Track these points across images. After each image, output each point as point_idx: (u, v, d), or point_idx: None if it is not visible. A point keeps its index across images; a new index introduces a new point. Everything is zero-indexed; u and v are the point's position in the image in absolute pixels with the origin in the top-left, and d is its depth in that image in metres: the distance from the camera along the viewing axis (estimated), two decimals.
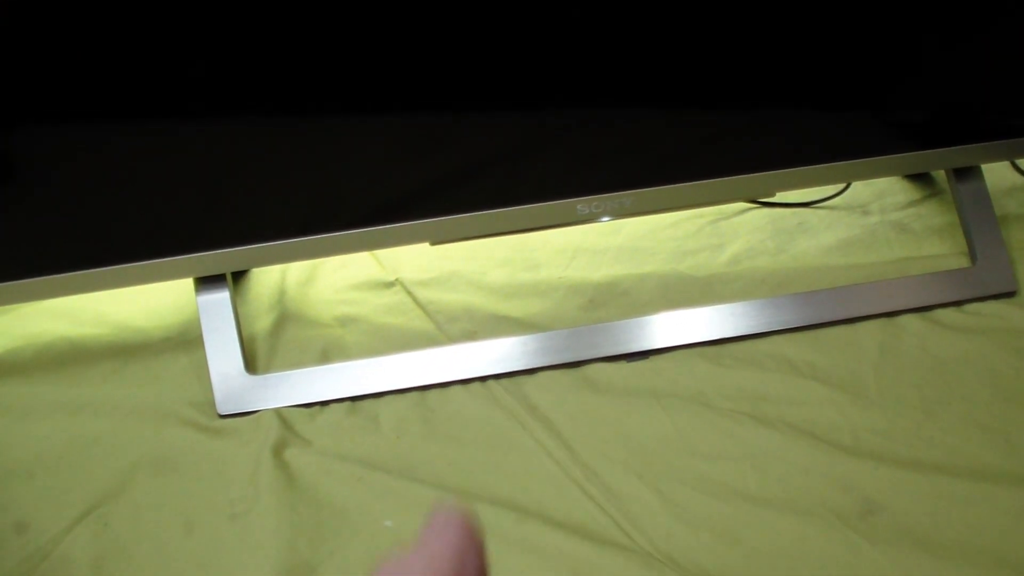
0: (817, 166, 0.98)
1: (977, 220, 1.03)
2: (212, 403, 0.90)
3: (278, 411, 0.88)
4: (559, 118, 0.93)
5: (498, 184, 0.93)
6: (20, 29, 0.80)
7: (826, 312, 0.96)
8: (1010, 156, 1.08)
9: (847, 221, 1.09)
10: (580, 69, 0.91)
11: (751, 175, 0.97)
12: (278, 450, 0.85)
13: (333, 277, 1.03)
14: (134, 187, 0.88)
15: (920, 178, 1.15)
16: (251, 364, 0.94)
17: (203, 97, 0.85)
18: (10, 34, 0.80)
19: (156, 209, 0.89)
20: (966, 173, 1.04)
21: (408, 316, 0.98)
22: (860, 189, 1.13)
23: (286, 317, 0.98)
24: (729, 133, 0.96)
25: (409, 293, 1.00)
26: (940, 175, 1.15)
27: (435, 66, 0.88)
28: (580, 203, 0.94)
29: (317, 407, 0.90)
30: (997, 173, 1.12)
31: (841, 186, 1.12)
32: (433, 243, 0.95)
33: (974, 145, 1.01)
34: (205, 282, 0.94)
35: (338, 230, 0.92)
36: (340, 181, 0.91)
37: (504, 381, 0.91)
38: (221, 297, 0.93)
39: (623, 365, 0.92)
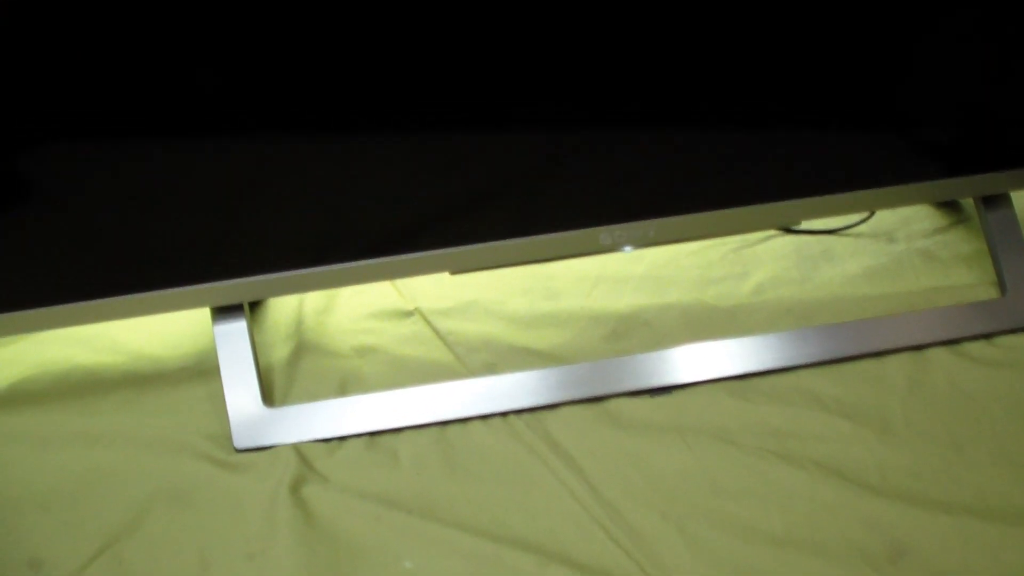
0: (844, 194, 0.97)
1: (1006, 249, 1.01)
2: (228, 436, 0.89)
3: (296, 446, 0.87)
4: (580, 144, 0.92)
5: (518, 212, 0.92)
6: (36, 51, 0.79)
7: (852, 345, 0.95)
8: None
9: (873, 249, 1.07)
10: (601, 95, 0.90)
11: (777, 203, 0.95)
12: (295, 487, 0.84)
13: (351, 305, 1.01)
14: (150, 215, 0.87)
15: (947, 204, 1.13)
16: (268, 396, 0.92)
17: (220, 123, 0.84)
18: (27, 55, 0.79)
19: (172, 237, 0.88)
20: (995, 200, 1.03)
21: (427, 347, 0.96)
22: (885, 215, 1.11)
23: (304, 346, 0.97)
24: (754, 160, 0.95)
25: (428, 323, 0.98)
26: (968, 201, 1.13)
27: (454, 88, 0.87)
28: (603, 232, 0.93)
29: (335, 442, 0.89)
30: None
31: (866, 213, 1.10)
32: (453, 272, 0.94)
33: (1004, 172, 1.00)
34: (222, 311, 0.93)
35: (357, 259, 0.91)
36: (357, 207, 0.90)
37: (525, 416, 0.89)
38: (238, 327, 0.92)
39: (646, 400, 0.91)
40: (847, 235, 1.09)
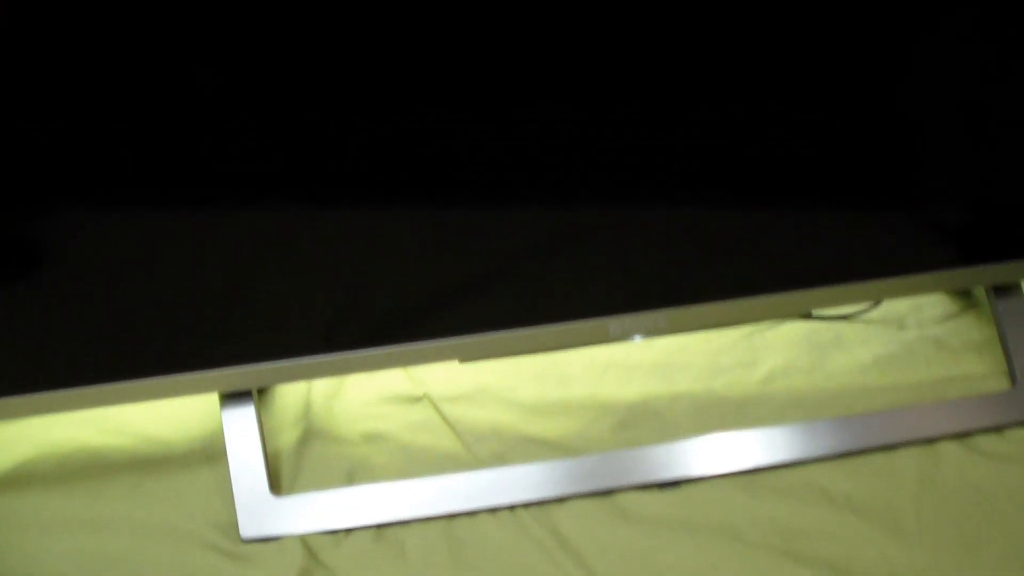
0: (856, 284, 0.97)
1: (1017, 339, 1.01)
2: (235, 524, 0.88)
3: (302, 537, 0.87)
4: (589, 231, 0.92)
5: (527, 300, 0.92)
6: (41, 130, 0.79)
7: (863, 439, 0.94)
8: None
9: (883, 336, 1.06)
10: (610, 182, 0.90)
11: (788, 293, 0.95)
12: None
13: (360, 388, 1.01)
14: (158, 299, 0.87)
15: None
16: (275, 483, 0.92)
17: (229, 205, 0.85)
18: (32, 134, 0.79)
19: (181, 321, 0.88)
20: (1006, 289, 1.02)
21: (436, 434, 0.96)
22: (896, 300, 1.11)
23: (312, 431, 0.97)
24: (765, 249, 0.95)
25: (437, 409, 0.98)
26: (978, 287, 1.12)
27: (464, 169, 0.88)
28: (612, 322, 0.93)
29: (342, 533, 0.88)
30: None
31: None
32: (462, 361, 0.94)
33: (1015, 262, 1.00)
34: (231, 396, 0.92)
35: (366, 347, 0.91)
36: (366, 291, 0.90)
37: (533, 509, 0.89)
38: (246, 412, 0.92)
39: (655, 494, 0.90)
40: (858, 321, 1.09)
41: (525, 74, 0.85)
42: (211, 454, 0.95)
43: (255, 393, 0.93)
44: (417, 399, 1.00)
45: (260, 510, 0.89)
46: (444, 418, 0.97)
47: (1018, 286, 1.03)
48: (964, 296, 1.12)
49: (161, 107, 0.80)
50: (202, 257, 0.86)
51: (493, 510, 0.89)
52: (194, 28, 0.78)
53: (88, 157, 0.81)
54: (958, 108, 0.94)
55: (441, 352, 0.91)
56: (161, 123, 0.80)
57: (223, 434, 0.91)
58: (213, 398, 0.94)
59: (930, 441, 0.95)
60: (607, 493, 0.90)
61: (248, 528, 0.88)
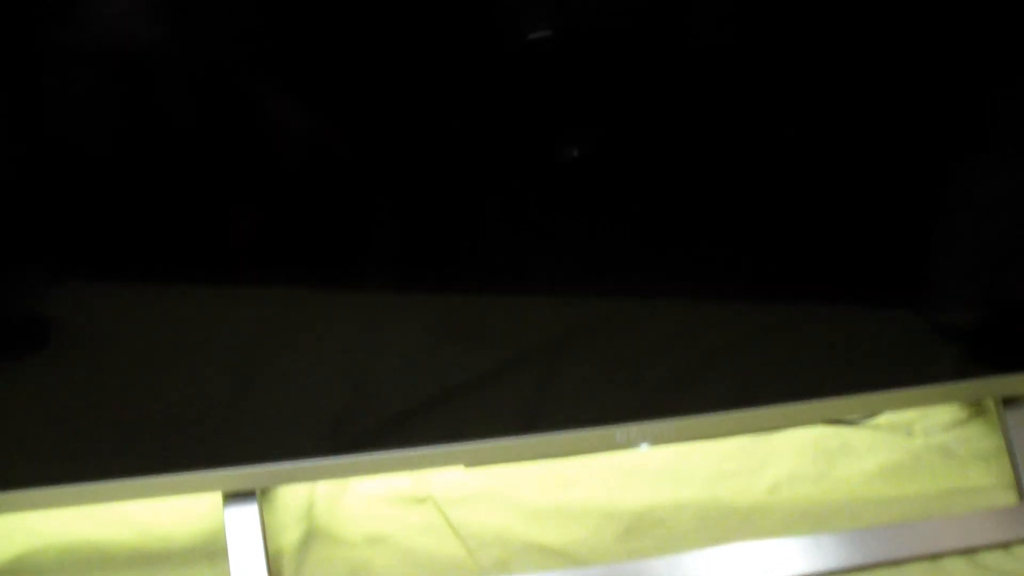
0: (863, 395, 0.97)
1: None
2: None
3: None
4: (599, 334, 0.92)
5: (533, 406, 0.92)
6: (41, 221, 0.80)
7: (868, 554, 0.94)
8: None
9: (890, 443, 1.06)
10: (617, 285, 0.91)
11: (795, 404, 0.95)
12: None
13: (364, 488, 1.00)
14: (164, 395, 0.87)
15: None
16: None
17: (232, 298, 0.85)
18: (32, 227, 0.80)
19: (184, 420, 0.88)
20: (1014, 400, 1.02)
21: (439, 538, 0.95)
22: None
23: (314, 532, 0.96)
24: (771, 360, 0.95)
25: (441, 512, 0.97)
26: None
27: (471, 263, 0.88)
28: (619, 431, 0.92)
29: None
30: None
31: None
32: (468, 466, 0.94)
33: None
34: (234, 495, 0.92)
35: (371, 450, 0.90)
36: (371, 391, 0.90)
37: None
38: (249, 512, 0.91)
39: None
40: (865, 427, 1.08)
41: (542, 174, 0.85)
42: (212, 551, 0.94)
43: (259, 493, 0.92)
44: (421, 500, 0.99)
45: None
46: (448, 521, 0.97)
47: None
48: (972, 402, 1.11)
49: (171, 195, 0.81)
50: (208, 353, 0.86)
51: None
52: (205, 112, 0.79)
53: (95, 242, 0.81)
54: (971, 214, 0.94)
55: (447, 457, 0.91)
56: (169, 209, 0.81)
57: (225, 532, 0.91)
58: (216, 494, 0.94)
59: (936, 557, 0.94)
60: None
61: None
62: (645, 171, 0.87)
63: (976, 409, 1.10)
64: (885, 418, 1.09)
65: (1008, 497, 1.00)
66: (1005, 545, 0.95)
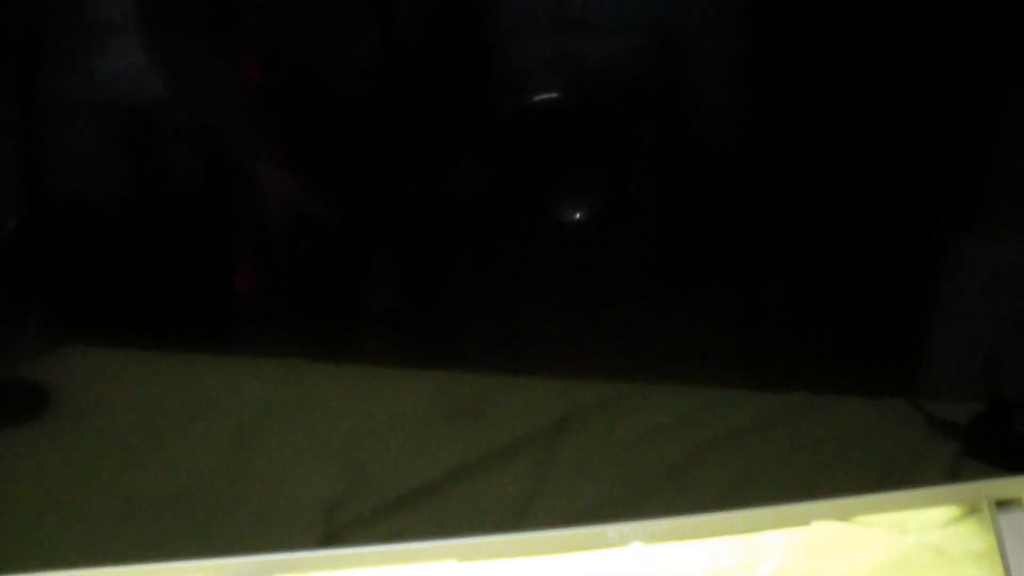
0: (858, 496, 0.97)
1: (1017, 555, 1.00)
2: None
3: None
4: (593, 431, 0.92)
5: (527, 502, 0.92)
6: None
7: None
8: None
9: (884, 540, 1.06)
10: (613, 386, 0.91)
11: (788, 505, 0.95)
12: None
13: None
14: (152, 479, 0.87)
15: None
16: None
17: (223, 379, 0.86)
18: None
19: (176, 505, 0.89)
20: (1007, 502, 1.02)
21: None
22: None
23: None
24: (768, 460, 0.95)
25: None
26: None
27: (466, 347, 0.89)
28: (611, 529, 0.92)
29: None
30: None
31: None
32: (460, 560, 0.94)
33: (1018, 478, 1.00)
34: None
35: (363, 544, 0.91)
36: (365, 483, 0.91)
37: None
38: None
39: None
40: (859, 523, 1.08)
41: (547, 254, 0.87)
42: None
43: None
44: None
45: None
46: None
47: (1020, 500, 1.02)
48: (966, 504, 1.11)
49: (169, 260, 0.82)
50: (202, 433, 0.87)
51: None
52: (203, 183, 0.81)
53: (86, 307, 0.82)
54: (972, 304, 0.95)
55: (440, 552, 0.91)
56: (167, 275, 0.82)
57: None
58: None
59: None
60: None
61: None
62: (646, 260, 0.88)
63: (971, 507, 1.10)
64: (878, 514, 1.09)
65: None
66: None
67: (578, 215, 0.84)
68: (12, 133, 0.77)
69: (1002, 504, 1.02)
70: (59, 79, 0.76)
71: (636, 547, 0.93)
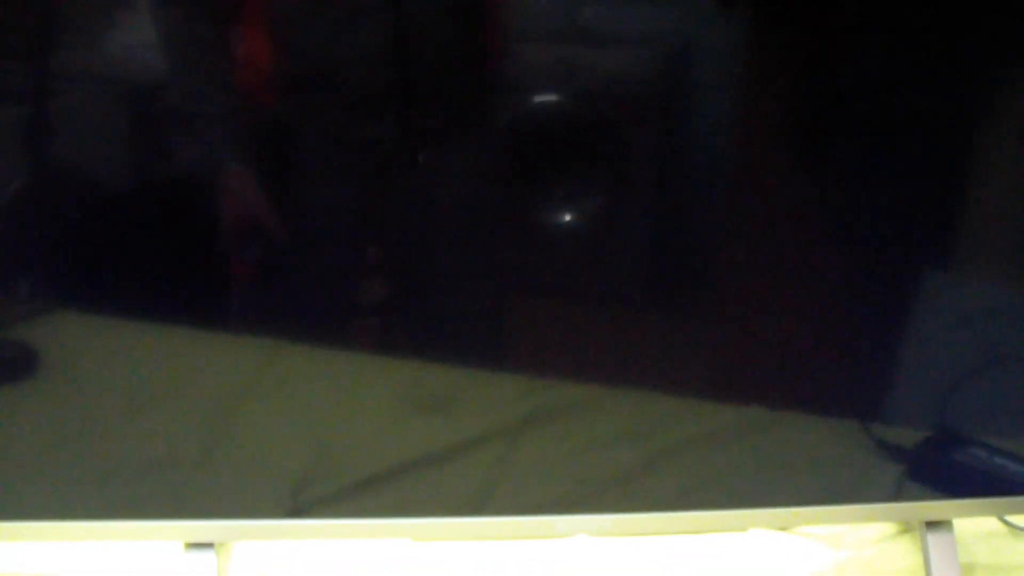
0: (798, 508, 1.02)
1: (941, 574, 1.05)
2: None
3: None
4: (555, 426, 0.97)
5: (484, 490, 0.97)
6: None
7: None
8: (990, 513, 1.11)
9: (819, 553, 1.10)
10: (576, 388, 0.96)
11: (728, 512, 1.00)
12: None
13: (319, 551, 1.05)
14: (133, 441, 0.92)
15: None
16: None
17: (213, 354, 0.91)
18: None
19: (154, 467, 0.93)
20: (937, 523, 1.07)
21: None
22: None
23: None
24: (712, 466, 1.00)
25: None
26: None
27: (442, 336, 0.94)
28: (560, 521, 0.97)
29: None
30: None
31: None
32: (415, 540, 0.99)
33: (949, 501, 1.04)
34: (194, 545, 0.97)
35: (327, 517, 0.96)
36: (333, 461, 0.96)
37: None
38: (207, 560, 0.96)
39: None
40: (797, 534, 1.13)
41: (526, 254, 0.91)
42: None
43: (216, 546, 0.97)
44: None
45: None
46: None
47: (948, 522, 1.07)
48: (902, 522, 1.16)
49: (162, 234, 0.87)
50: (183, 402, 0.92)
51: None
52: (198, 166, 0.86)
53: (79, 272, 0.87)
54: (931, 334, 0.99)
55: (397, 530, 0.97)
56: (158, 247, 0.87)
57: None
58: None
59: None
60: None
61: None
62: (622, 270, 0.93)
63: (904, 527, 1.15)
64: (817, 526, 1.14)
65: None
66: None
67: (563, 219, 0.88)
68: (20, 101, 0.81)
69: (932, 525, 1.07)
70: (68, 53, 0.81)
71: (581, 539, 0.98)
